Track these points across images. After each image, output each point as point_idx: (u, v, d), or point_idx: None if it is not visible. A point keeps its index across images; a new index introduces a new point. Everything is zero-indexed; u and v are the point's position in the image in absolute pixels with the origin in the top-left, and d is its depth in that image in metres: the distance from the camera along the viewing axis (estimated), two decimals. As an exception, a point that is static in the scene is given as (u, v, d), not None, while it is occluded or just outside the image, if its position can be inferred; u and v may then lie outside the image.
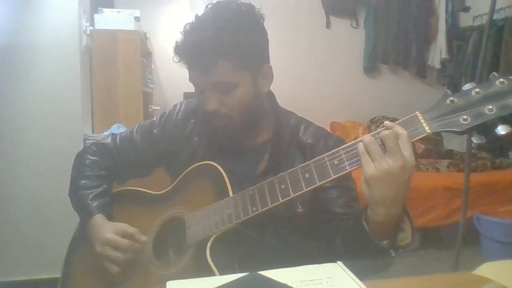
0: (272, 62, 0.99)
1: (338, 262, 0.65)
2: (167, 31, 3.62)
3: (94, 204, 1.01)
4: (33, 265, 2.33)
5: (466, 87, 0.69)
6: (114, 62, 2.68)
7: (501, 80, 0.66)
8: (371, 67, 4.15)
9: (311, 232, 0.97)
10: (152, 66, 3.49)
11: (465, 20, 4.09)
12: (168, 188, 1.02)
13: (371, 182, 0.71)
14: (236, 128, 0.97)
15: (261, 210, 0.80)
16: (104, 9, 2.82)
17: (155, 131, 1.10)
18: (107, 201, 1.04)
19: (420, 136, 0.70)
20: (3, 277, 2.31)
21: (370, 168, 0.70)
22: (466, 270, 0.78)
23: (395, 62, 4.14)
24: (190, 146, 1.06)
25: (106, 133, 2.44)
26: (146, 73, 3.09)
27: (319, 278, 0.61)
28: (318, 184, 0.75)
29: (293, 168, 0.79)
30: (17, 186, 2.34)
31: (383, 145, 0.70)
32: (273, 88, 1.03)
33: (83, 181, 1.06)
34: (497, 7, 2.76)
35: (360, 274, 0.61)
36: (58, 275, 1.08)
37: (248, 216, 0.82)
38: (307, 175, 0.76)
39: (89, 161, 1.10)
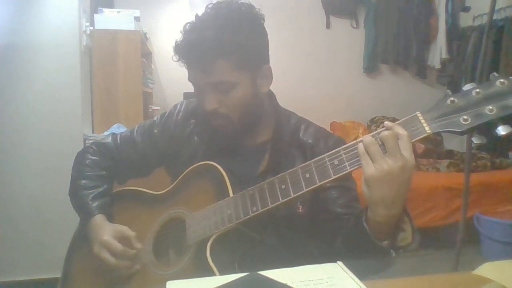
0: (272, 62, 0.99)
1: (338, 262, 0.65)
2: (167, 31, 3.61)
3: (94, 204, 1.01)
4: (33, 265, 2.33)
5: (467, 87, 0.69)
6: (114, 62, 2.68)
7: (502, 80, 0.66)
8: (371, 67, 4.15)
9: (311, 232, 0.97)
10: (152, 66, 3.49)
11: (465, 20, 4.09)
12: (168, 188, 1.02)
13: (371, 182, 0.71)
14: (236, 128, 0.97)
15: (261, 210, 0.80)
16: (104, 9, 2.82)
17: (155, 131, 1.10)
18: (107, 201, 1.04)
19: (421, 137, 0.70)
20: (3, 277, 2.31)
21: (370, 168, 0.70)
22: (466, 270, 0.78)
23: (395, 62, 4.14)
24: (190, 146, 1.06)
25: (106, 133, 2.43)
26: (146, 73, 3.09)
27: (319, 278, 0.61)
28: (318, 184, 0.75)
29: (294, 168, 0.79)
30: (17, 186, 2.33)
31: (383, 145, 0.70)
32: (273, 88, 1.03)
33: (83, 181, 1.06)
34: (497, 7, 2.76)
35: (360, 274, 0.61)
36: (58, 275, 1.09)
37: (248, 216, 0.82)
38: (307, 175, 0.76)
39: (89, 161, 1.10)
